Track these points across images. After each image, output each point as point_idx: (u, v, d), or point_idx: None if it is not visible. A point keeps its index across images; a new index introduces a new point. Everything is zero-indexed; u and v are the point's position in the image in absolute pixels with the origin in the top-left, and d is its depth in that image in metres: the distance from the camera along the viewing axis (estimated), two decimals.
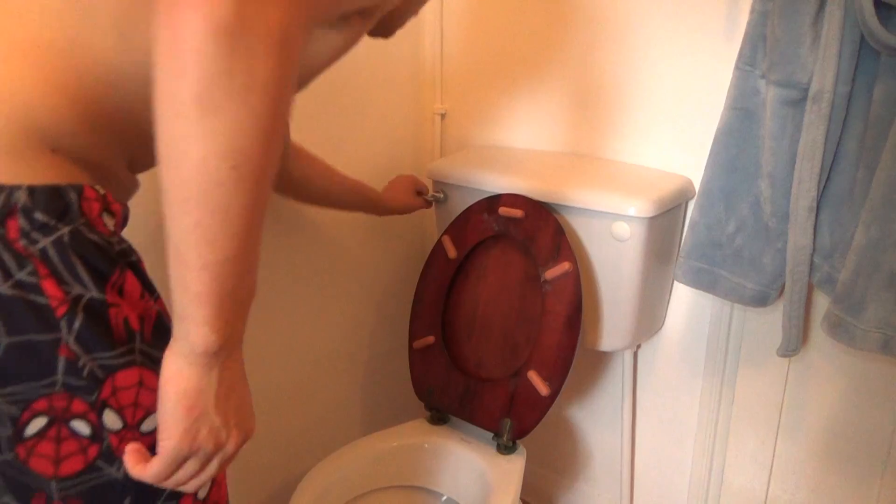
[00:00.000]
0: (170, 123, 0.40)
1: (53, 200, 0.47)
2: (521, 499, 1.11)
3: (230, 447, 0.52)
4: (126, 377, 0.50)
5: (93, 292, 0.48)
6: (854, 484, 1.11)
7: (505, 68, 1.30)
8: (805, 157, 0.89)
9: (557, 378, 1.04)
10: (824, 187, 0.91)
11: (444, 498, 1.17)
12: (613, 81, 1.17)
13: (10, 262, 0.46)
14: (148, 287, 0.54)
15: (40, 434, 0.48)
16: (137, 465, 0.50)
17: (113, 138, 0.53)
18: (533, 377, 1.06)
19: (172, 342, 0.48)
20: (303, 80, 0.62)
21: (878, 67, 0.83)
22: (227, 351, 0.49)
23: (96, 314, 0.48)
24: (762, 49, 0.91)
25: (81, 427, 0.49)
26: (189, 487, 0.52)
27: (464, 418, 1.15)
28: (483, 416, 1.12)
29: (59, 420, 0.48)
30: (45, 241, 0.46)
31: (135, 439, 0.51)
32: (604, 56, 1.17)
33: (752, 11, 0.91)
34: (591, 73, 1.19)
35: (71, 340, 0.47)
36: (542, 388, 1.05)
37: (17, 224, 0.46)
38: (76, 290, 0.47)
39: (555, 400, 1.05)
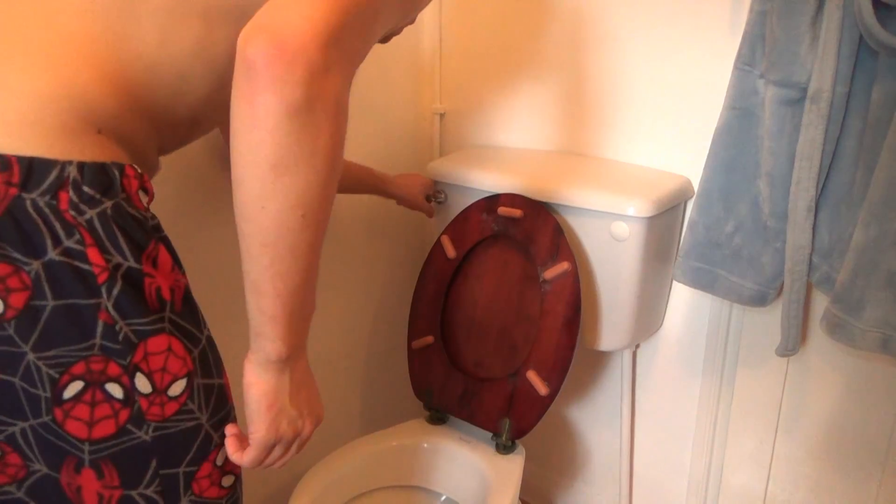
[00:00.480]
0: (249, 184, 0.49)
1: (100, 176, 0.52)
2: (521, 498, 1.11)
3: (306, 432, 0.62)
4: (157, 343, 0.54)
5: (130, 262, 0.52)
6: (853, 483, 1.11)
7: (504, 68, 1.30)
8: (804, 157, 0.89)
9: (556, 378, 1.04)
10: (823, 187, 0.92)
11: (443, 498, 1.17)
12: (612, 81, 1.17)
13: (60, 230, 0.50)
14: (177, 261, 0.58)
15: (76, 397, 0.52)
16: (236, 453, 0.59)
17: (149, 124, 0.58)
18: (532, 377, 1.06)
19: (250, 354, 0.58)
20: None
21: (877, 67, 0.83)
22: (295, 357, 0.59)
23: (133, 282, 0.53)
24: (761, 49, 0.92)
25: (115, 390, 0.53)
26: (277, 466, 0.63)
27: (463, 418, 1.15)
28: (482, 416, 1.12)
29: (94, 384, 0.52)
30: (91, 213, 0.51)
31: (162, 403, 0.55)
32: (603, 56, 1.17)
33: (751, 11, 0.91)
34: (591, 72, 1.19)
35: (110, 306, 0.51)
36: (541, 388, 1.05)
37: (67, 196, 0.50)
38: (116, 259, 0.52)
39: (554, 399, 1.05)
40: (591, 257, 1.09)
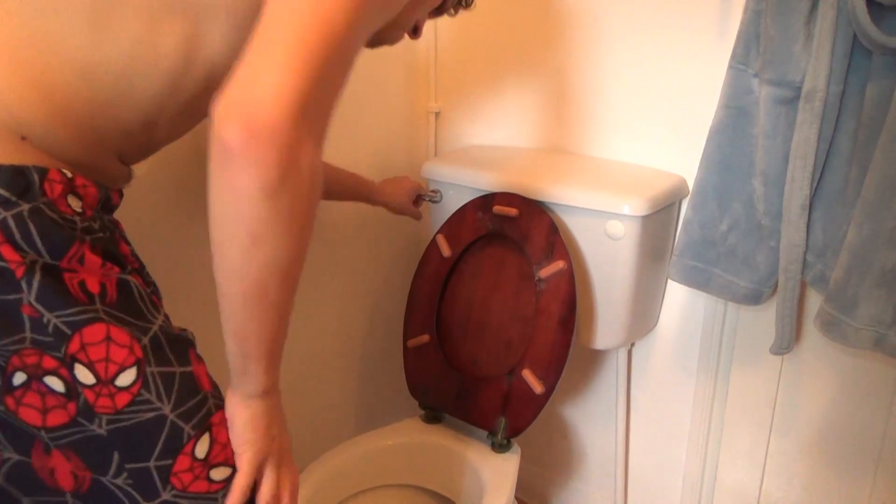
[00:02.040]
0: (229, 253, 0.51)
1: (16, 179, 0.51)
2: (516, 497, 1.11)
3: (286, 446, 0.66)
4: (93, 332, 0.53)
5: (47, 258, 0.51)
6: (846, 480, 1.11)
7: (499, 67, 1.30)
8: (798, 156, 0.89)
9: (552, 376, 1.05)
10: (817, 186, 0.92)
11: (439, 496, 1.17)
12: (608, 80, 1.17)
13: None
14: (114, 259, 0.57)
15: (25, 385, 0.51)
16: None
17: (90, 130, 0.57)
18: (527, 375, 1.06)
19: (233, 390, 0.60)
20: None
21: (871, 66, 0.84)
22: (273, 386, 0.62)
23: (53, 277, 0.51)
24: (756, 48, 0.92)
25: (55, 383, 0.52)
26: (266, 491, 0.63)
27: (458, 417, 1.15)
28: (477, 415, 1.12)
29: (34, 377, 0.51)
30: (5, 214, 0.50)
31: (111, 394, 0.53)
32: (598, 55, 1.17)
33: (746, 10, 0.91)
34: (586, 71, 1.20)
35: (32, 299, 0.50)
36: (537, 387, 1.05)
37: None
38: (31, 255, 0.51)
39: (549, 398, 1.05)
40: (587, 256, 1.09)
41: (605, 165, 1.17)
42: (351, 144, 1.29)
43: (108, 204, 0.61)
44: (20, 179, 0.51)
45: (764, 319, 1.12)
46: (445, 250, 1.18)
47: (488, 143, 1.37)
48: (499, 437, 1.10)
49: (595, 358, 1.34)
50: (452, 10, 0.84)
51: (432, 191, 1.25)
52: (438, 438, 1.16)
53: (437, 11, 0.83)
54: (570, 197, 1.06)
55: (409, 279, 1.49)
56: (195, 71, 0.59)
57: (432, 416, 1.20)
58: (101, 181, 0.59)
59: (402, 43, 1.35)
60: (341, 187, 1.12)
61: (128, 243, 0.66)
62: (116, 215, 0.66)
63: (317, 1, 0.49)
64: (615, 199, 1.02)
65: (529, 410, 1.06)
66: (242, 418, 0.61)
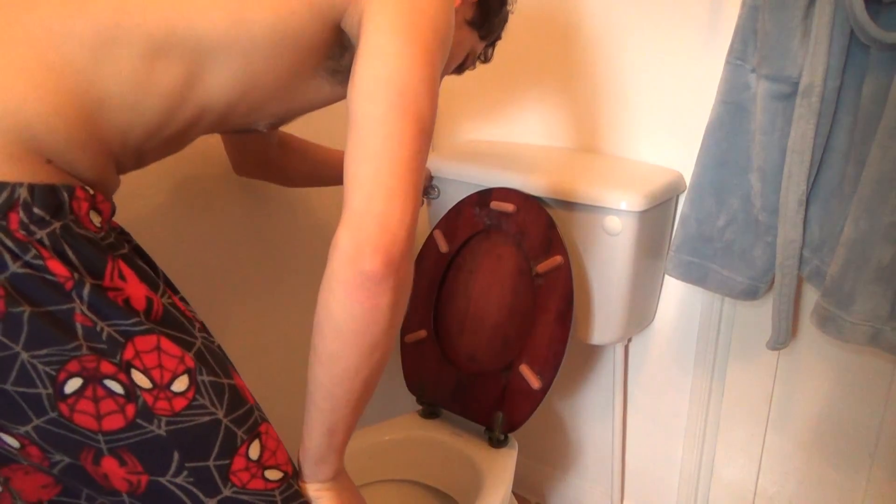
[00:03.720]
0: (347, 361, 0.59)
1: (50, 197, 0.53)
2: (513, 492, 1.12)
3: None
4: (145, 342, 0.55)
5: (90, 279, 0.54)
6: (842, 475, 1.12)
7: (497, 62, 1.30)
8: (795, 151, 0.89)
9: (549, 371, 1.05)
10: (814, 181, 0.92)
11: (437, 491, 1.17)
12: (605, 76, 1.17)
13: (14, 247, 0.51)
14: (145, 277, 0.60)
15: (78, 393, 0.53)
16: None
17: (100, 153, 0.59)
18: (525, 371, 1.06)
19: (310, 478, 0.67)
20: (292, 116, 0.74)
21: (868, 62, 0.84)
22: (342, 465, 0.70)
23: (100, 292, 0.54)
24: (753, 43, 0.92)
25: (115, 386, 0.54)
26: None
27: (456, 412, 1.15)
28: (475, 410, 1.12)
29: (92, 380, 0.53)
30: (41, 233, 0.52)
31: (168, 398, 0.56)
32: (596, 50, 1.17)
33: (743, 6, 0.91)
34: (583, 67, 1.19)
35: (84, 309, 0.53)
36: (534, 382, 1.05)
37: (17, 217, 0.51)
38: (77, 273, 0.53)
39: (546, 393, 1.05)
40: (584, 251, 1.09)
41: (603, 161, 1.17)
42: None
43: (112, 216, 0.64)
44: (53, 198, 0.53)
45: (760, 315, 1.13)
46: (443, 246, 1.18)
47: (486, 138, 1.37)
48: (496, 432, 1.10)
49: (592, 353, 1.34)
50: (472, 66, 0.90)
51: (430, 187, 1.25)
52: (436, 434, 1.16)
53: (459, 70, 0.89)
54: (567, 192, 1.06)
55: None
56: (188, 108, 0.62)
57: (430, 411, 1.20)
58: (106, 195, 0.62)
59: None
60: (330, 171, 1.08)
61: (129, 242, 0.69)
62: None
63: (410, 121, 0.57)
64: (612, 195, 1.02)
65: (527, 405, 1.07)
66: (328, 499, 0.67)
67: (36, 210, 0.52)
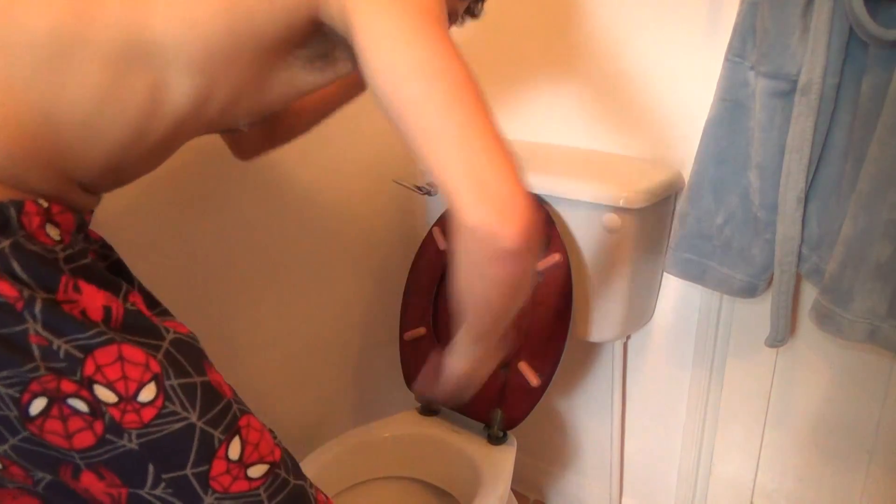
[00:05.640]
0: (500, 311, 0.63)
1: None
2: (512, 489, 1.12)
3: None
4: (106, 354, 0.53)
5: (42, 294, 0.52)
6: (840, 472, 1.12)
7: (496, 60, 1.30)
8: (794, 149, 0.89)
9: (548, 369, 1.05)
10: (813, 179, 0.92)
11: (435, 488, 1.17)
12: (604, 73, 1.17)
13: None
14: (108, 284, 0.57)
15: (44, 413, 0.51)
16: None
17: (58, 171, 0.57)
18: (523, 368, 1.06)
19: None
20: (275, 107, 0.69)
21: (867, 59, 0.84)
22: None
23: (53, 307, 0.52)
24: (752, 41, 0.92)
25: (78, 404, 0.52)
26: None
27: (454, 409, 1.15)
28: (474, 407, 1.12)
29: (56, 400, 0.51)
30: None
31: (136, 409, 0.54)
32: (594, 48, 1.17)
33: (742, 3, 0.91)
34: (582, 64, 1.19)
35: (39, 328, 0.51)
36: (533, 379, 1.05)
37: None
38: (27, 291, 0.51)
39: (545, 390, 1.05)
40: (583, 249, 1.09)
41: (602, 158, 1.17)
42: (347, 139, 1.28)
43: (82, 225, 0.61)
44: None
45: (759, 312, 1.13)
46: (442, 243, 1.18)
47: None
48: (495, 429, 1.10)
49: (591, 350, 1.35)
50: (461, 20, 0.86)
51: (428, 183, 1.25)
52: (435, 431, 1.16)
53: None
54: (566, 189, 1.06)
55: (405, 272, 1.49)
56: (161, 119, 0.59)
57: (428, 408, 1.21)
58: (73, 207, 0.59)
59: None
60: (327, 104, 0.97)
61: (102, 256, 0.67)
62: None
63: (461, 86, 0.55)
64: (611, 192, 1.02)
65: (525, 403, 1.07)
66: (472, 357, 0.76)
67: None
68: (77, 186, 0.60)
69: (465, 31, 1.33)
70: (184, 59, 0.57)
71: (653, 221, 1.08)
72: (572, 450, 1.45)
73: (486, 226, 0.53)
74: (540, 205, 1.07)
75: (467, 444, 1.12)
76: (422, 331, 1.19)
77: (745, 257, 1.00)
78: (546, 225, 1.06)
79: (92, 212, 0.65)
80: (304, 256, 1.26)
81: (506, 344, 0.78)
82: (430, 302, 1.19)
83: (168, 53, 0.56)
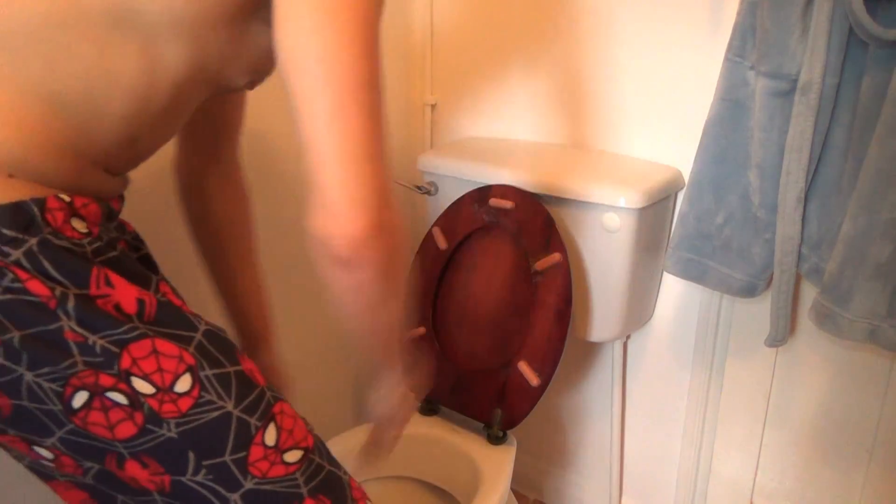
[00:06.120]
0: (358, 316, 0.64)
1: (16, 215, 0.51)
2: (512, 488, 1.12)
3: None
4: (140, 347, 0.54)
5: (74, 290, 0.52)
6: (840, 472, 1.12)
7: (495, 59, 1.30)
8: (793, 149, 0.89)
9: (547, 368, 1.05)
10: (812, 178, 0.92)
11: (435, 488, 1.17)
12: (604, 72, 1.17)
13: None
14: (137, 276, 0.58)
15: (87, 405, 0.53)
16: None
17: (72, 157, 0.56)
18: (523, 368, 1.06)
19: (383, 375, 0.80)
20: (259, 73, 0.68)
21: (867, 59, 0.84)
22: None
23: (86, 303, 0.53)
24: (752, 40, 0.92)
25: (118, 397, 0.54)
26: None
27: (454, 409, 1.15)
28: (474, 407, 1.12)
29: (97, 393, 0.53)
30: (16, 254, 0.51)
31: (173, 400, 0.55)
32: (594, 47, 1.17)
33: (742, 2, 0.91)
34: (582, 63, 1.19)
35: (73, 325, 0.52)
36: (533, 379, 1.05)
37: None
38: (59, 288, 0.52)
39: (545, 390, 1.05)
40: (583, 248, 1.09)
41: (602, 158, 1.17)
42: None
43: (111, 214, 0.62)
44: (21, 215, 0.51)
45: (759, 312, 1.13)
46: (441, 243, 1.18)
47: (484, 135, 1.37)
48: (495, 428, 1.10)
49: (591, 350, 1.35)
50: None
51: (427, 183, 1.25)
52: (434, 430, 1.16)
53: None
54: (566, 189, 1.06)
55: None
56: (160, 86, 0.59)
57: (428, 407, 1.21)
58: (99, 195, 0.60)
59: (398, 35, 1.35)
60: (237, 294, 0.90)
61: (133, 248, 0.67)
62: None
63: (349, 90, 0.53)
64: (611, 192, 1.02)
65: (525, 402, 1.07)
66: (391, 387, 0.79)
67: (5, 231, 0.50)
68: (97, 169, 0.60)
69: (465, 30, 1.33)
70: (168, 24, 0.56)
71: (653, 221, 1.08)
72: (572, 449, 1.45)
73: (320, 229, 0.55)
74: (540, 204, 1.07)
75: (467, 443, 1.12)
76: (421, 330, 1.19)
77: (744, 257, 1.00)
78: (546, 225, 1.06)
79: (122, 199, 0.65)
80: (304, 256, 1.26)
81: (398, 365, 0.78)
82: (430, 302, 1.19)
83: (152, 20, 0.56)
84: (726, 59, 0.95)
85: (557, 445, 1.47)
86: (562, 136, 1.26)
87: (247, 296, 0.91)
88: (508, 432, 1.13)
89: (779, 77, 0.89)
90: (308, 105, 0.53)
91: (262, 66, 0.67)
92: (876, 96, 0.83)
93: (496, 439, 1.12)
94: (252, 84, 0.69)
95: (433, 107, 1.42)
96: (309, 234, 0.56)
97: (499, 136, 1.35)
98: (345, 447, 1.13)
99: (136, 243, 0.70)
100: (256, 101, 1.12)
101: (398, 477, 1.17)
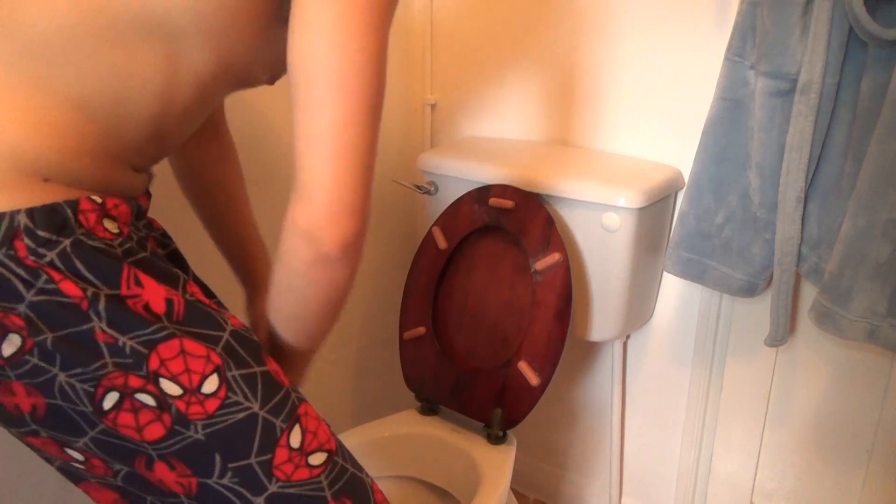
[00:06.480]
0: (308, 318, 0.65)
1: (51, 218, 0.52)
2: (512, 488, 1.12)
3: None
4: (168, 348, 0.55)
5: (105, 290, 0.54)
6: (840, 471, 1.12)
7: (495, 59, 1.30)
8: (793, 148, 0.89)
9: (547, 368, 1.05)
10: (812, 178, 0.92)
11: (435, 488, 1.17)
12: (604, 72, 1.17)
13: (26, 276, 0.51)
14: (166, 276, 0.59)
15: (117, 406, 0.54)
16: None
17: (104, 158, 0.58)
18: (523, 367, 1.06)
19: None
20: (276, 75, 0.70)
21: (867, 59, 0.84)
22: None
23: (117, 304, 0.54)
24: (752, 40, 0.92)
25: (145, 399, 0.55)
26: None
27: (454, 408, 1.15)
28: (474, 407, 1.12)
29: (126, 395, 0.54)
30: (50, 255, 0.52)
31: (201, 401, 0.56)
32: (594, 47, 1.17)
33: (742, 2, 0.91)
34: (582, 63, 1.19)
35: (104, 326, 0.53)
36: (533, 379, 1.05)
37: (23, 244, 0.51)
38: (91, 289, 0.53)
39: (545, 390, 1.05)
40: (583, 248, 1.09)
41: (602, 157, 1.17)
42: None
43: (140, 213, 0.63)
44: (55, 217, 0.52)
45: (758, 311, 1.13)
46: (441, 242, 1.18)
47: (484, 135, 1.37)
48: (495, 428, 1.10)
49: (591, 350, 1.35)
50: None
51: (427, 182, 1.25)
52: (434, 430, 1.16)
53: None
54: (566, 189, 1.06)
55: (405, 271, 1.49)
56: (185, 86, 0.60)
57: (428, 407, 1.21)
58: (128, 195, 0.61)
59: (399, 35, 1.35)
60: (234, 237, 0.91)
61: (161, 245, 0.68)
62: None
63: (353, 100, 0.55)
64: (611, 192, 1.02)
65: (525, 402, 1.07)
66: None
67: (40, 233, 0.52)
68: (126, 167, 0.61)
69: (466, 30, 1.33)
70: (195, 31, 0.58)
71: (652, 221, 1.08)
72: (572, 449, 1.45)
73: (306, 229, 0.57)
74: (540, 204, 1.07)
75: (467, 443, 1.12)
76: (421, 330, 1.19)
77: (744, 256, 1.00)
78: (546, 225, 1.06)
79: (149, 196, 0.66)
80: None
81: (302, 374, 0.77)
82: (429, 301, 1.19)
83: (179, 26, 0.57)
84: (726, 58, 0.95)
85: (558, 445, 1.47)
86: (562, 136, 1.26)
87: (247, 241, 0.92)
88: (508, 432, 1.13)
89: (779, 77, 0.89)
90: (314, 109, 0.55)
91: (284, 62, 0.66)
92: (876, 96, 0.83)
93: (496, 439, 1.12)
94: (273, 79, 0.70)
95: (433, 106, 1.42)
96: (293, 227, 0.58)
97: (499, 136, 1.35)
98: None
99: (165, 240, 0.71)
100: (258, 102, 1.12)
101: (398, 477, 1.17)
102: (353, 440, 1.14)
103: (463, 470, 1.11)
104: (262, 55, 0.65)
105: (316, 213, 0.57)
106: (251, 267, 0.92)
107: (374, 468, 1.16)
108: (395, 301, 1.49)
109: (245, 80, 0.66)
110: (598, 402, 1.37)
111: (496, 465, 1.07)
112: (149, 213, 0.71)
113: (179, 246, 0.75)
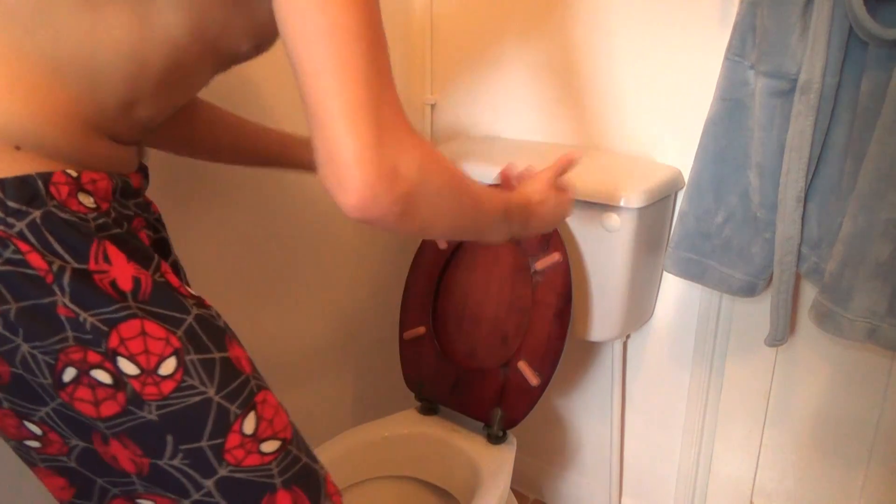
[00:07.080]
0: (437, 226, 0.63)
1: (22, 188, 0.52)
2: (512, 488, 1.12)
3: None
4: (129, 328, 0.55)
5: (73, 264, 0.53)
6: (840, 471, 1.12)
7: (495, 58, 1.30)
8: (793, 148, 0.89)
9: (547, 368, 1.05)
10: (812, 178, 0.92)
11: (435, 488, 1.17)
12: (604, 71, 1.17)
13: None
14: (138, 255, 0.58)
15: (76, 381, 0.54)
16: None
17: (78, 125, 0.57)
18: (523, 367, 1.06)
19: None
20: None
21: (867, 58, 0.84)
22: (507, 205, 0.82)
23: (83, 279, 0.54)
24: (751, 40, 0.92)
25: (102, 376, 0.55)
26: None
27: (454, 408, 1.15)
28: (473, 406, 1.12)
29: (83, 371, 0.54)
30: (20, 225, 0.52)
31: (156, 382, 0.56)
32: (594, 46, 1.17)
33: (742, 2, 0.91)
34: (582, 63, 1.19)
35: (66, 301, 0.53)
36: (532, 379, 1.05)
37: None
38: (57, 262, 0.53)
39: (545, 390, 1.05)
40: (583, 248, 1.09)
41: (602, 157, 1.17)
42: None
43: (127, 190, 0.62)
44: (25, 188, 0.52)
45: (758, 311, 1.13)
46: (441, 242, 1.18)
47: (484, 134, 1.37)
48: (494, 428, 1.10)
49: (590, 350, 1.35)
50: None
51: None
52: (434, 430, 1.16)
53: None
54: None
55: (404, 271, 1.49)
56: (157, 47, 0.59)
57: (428, 407, 1.21)
58: (112, 170, 0.60)
59: (398, 34, 1.35)
60: (250, 148, 0.93)
61: (152, 228, 0.68)
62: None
63: (350, 39, 0.51)
64: (611, 191, 1.02)
65: (525, 402, 1.07)
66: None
67: (10, 203, 0.52)
68: (102, 137, 0.60)
69: (465, 30, 1.33)
70: None
71: (652, 221, 1.08)
72: (572, 449, 1.45)
73: (327, 186, 0.53)
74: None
75: (467, 443, 1.12)
76: (421, 330, 1.19)
77: (744, 256, 1.00)
78: None
79: (146, 177, 0.66)
80: (305, 256, 1.26)
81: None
82: (429, 301, 1.19)
83: None
84: (726, 58, 0.95)
85: (557, 445, 1.47)
86: (562, 136, 1.26)
87: (274, 143, 0.92)
88: (508, 432, 1.13)
89: (779, 76, 0.89)
90: (306, 53, 0.51)
91: (265, 30, 0.66)
92: (876, 96, 0.83)
93: (496, 439, 1.12)
94: (258, 49, 0.68)
95: (433, 106, 1.42)
96: (325, 186, 0.54)
97: (499, 136, 1.35)
98: (344, 447, 1.13)
99: (157, 225, 0.70)
100: (260, 98, 1.12)
101: (398, 477, 1.17)
102: (353, 440, 1.14)
103: (463, 470, 1.11)
104: (242, 20, 0.63)
105: (333, 169, 0.52)
106: (292, 152, 0.93)
107: (374, 468, 1.16)
108: (395, 301, 1.49)
109: (226, 50, 0.65)
110: (598, 402, 1.37)
111: (496, 465, 1.07)
112: (151, 207, 0.70)
113: (179, 248, 0.75)
